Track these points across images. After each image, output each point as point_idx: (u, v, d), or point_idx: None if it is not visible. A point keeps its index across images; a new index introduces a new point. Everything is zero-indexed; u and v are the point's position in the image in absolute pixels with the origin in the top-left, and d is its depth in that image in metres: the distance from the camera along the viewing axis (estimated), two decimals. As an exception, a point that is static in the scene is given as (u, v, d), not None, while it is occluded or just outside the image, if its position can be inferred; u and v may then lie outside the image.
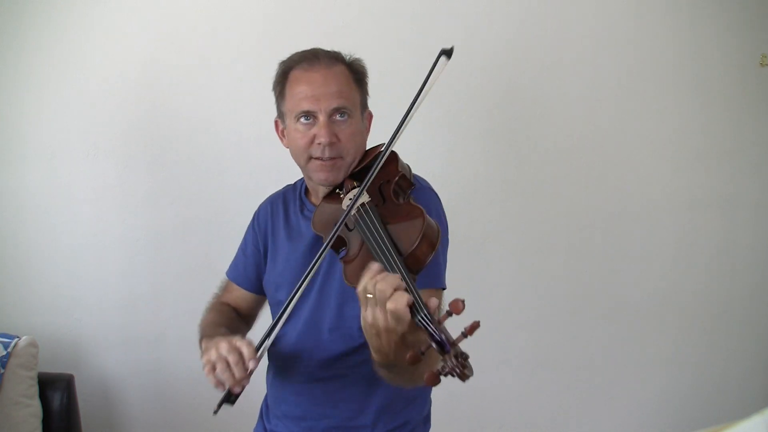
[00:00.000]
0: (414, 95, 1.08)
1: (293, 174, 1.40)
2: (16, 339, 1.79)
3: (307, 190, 1.34)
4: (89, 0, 1.92)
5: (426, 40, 1.99)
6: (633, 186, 2.16)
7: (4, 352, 1.75)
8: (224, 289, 1.43)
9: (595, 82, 2.09)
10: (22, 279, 1.98)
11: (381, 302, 0.87)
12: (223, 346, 1.04)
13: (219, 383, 1.02)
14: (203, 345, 1.14)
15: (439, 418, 1.38)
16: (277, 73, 1.24)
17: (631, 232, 2.17)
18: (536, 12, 2.04)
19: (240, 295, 1.40)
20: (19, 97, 1.93)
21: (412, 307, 0.86)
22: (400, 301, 0.85)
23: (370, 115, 1.29)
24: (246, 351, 1.02)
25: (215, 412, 1.03)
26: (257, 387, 1.33)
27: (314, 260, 1.06)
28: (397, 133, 1.08)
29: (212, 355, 1.04)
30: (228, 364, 1.01)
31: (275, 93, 1.25)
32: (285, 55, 1.26)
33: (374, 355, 0.95)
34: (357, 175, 1.21)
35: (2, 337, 1.78)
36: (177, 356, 2.02)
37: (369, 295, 0.89)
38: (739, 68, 2.16)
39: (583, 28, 2.07)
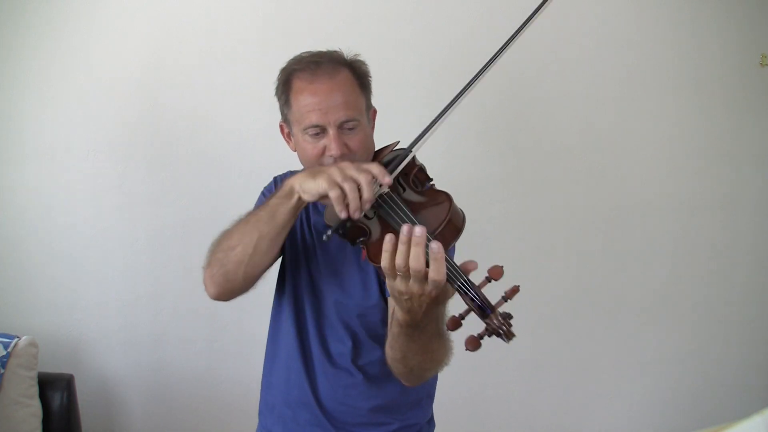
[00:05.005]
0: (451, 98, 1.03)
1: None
2: (16, 339, 1.79)
3: None
4: (89, 0, 1.92)
5: (426, 40, 1.99)
6: (633, 185, 2.16)
7: (4, 352, 1.75)
8: None
9: (595, 82, 2.09)
10: (22, 279, 1.98)
11: (417, 278, 0.88)
12: (348, 168, 0.98)
13: (344, 207, 0.96)
14: (288, 181, 1.05)
15: (441, 418, 1.38)
16: (279, 80, 1.19)
17: (631, 231, 2.17)
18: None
19: None
20: (19, 97, 1.93)
21: (449, 277, 0.89)
22: (440, 272, 0.87)
23: (375, 112, 1.26)
24: (377, 170, 0.98)
25: (326, 238, 0.98)
26: (258, 387, 1.34)
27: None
28: (424, 134, 1.05)
29: (336, 176, 0.97)
30: (359, 185, 0.96)
31: (279, 100, 1.20)
32: (285, 55, 1.24)
33: (404, 316, 0.95)
34: None
35: (2, 337, 1.78)
36: (177, 356, 2.02)
37: (399, 273, 0.89)
38: (739, 68, 2.16)
39: (583, 27, 2.07)
